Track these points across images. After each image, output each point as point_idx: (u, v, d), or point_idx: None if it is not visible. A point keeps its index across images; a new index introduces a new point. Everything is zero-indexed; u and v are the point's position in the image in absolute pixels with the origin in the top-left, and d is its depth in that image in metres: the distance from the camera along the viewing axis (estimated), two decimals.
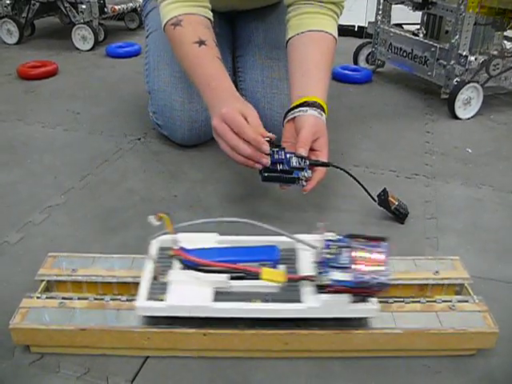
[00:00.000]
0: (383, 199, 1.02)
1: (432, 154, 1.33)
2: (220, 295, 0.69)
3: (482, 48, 1.57)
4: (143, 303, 0.67)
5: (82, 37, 2.19)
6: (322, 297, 0.66)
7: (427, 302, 0.75)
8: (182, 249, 0.69)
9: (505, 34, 1.60)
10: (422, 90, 1.79)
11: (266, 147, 0.90)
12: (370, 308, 0.67)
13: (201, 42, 1.03)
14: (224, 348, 0.70)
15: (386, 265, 0.65)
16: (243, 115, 0.91)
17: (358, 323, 0.70)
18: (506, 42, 1.62)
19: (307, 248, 0.72)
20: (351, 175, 0.99)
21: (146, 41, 1.39)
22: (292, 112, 0.99)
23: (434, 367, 0.70)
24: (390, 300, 0.74)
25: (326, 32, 1.09)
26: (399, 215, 1.02)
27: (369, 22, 1.91)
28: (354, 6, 2.42)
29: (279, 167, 0.92)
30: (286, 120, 1.01)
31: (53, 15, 2.45)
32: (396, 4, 1.80)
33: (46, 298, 0.73)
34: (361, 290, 0.65)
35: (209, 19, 1.10)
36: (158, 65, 1.29)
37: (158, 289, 0.70)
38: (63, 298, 0.73)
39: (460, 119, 1.55)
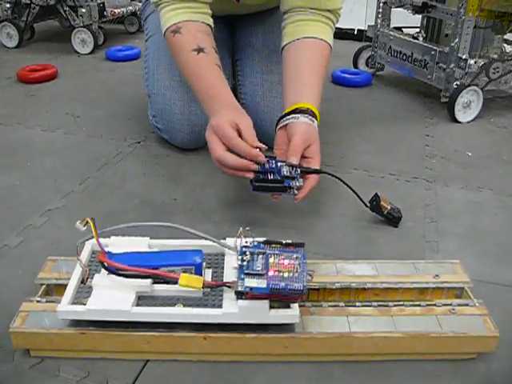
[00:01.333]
0: (375, 204, 1.01)
1: (432, 157, 1.33)
2: (144, 300, 0.69)
3: (482, 51, 1.57)
4: (65, 307, 0.67)
5: (82, 40, 2.20)
6: (240, 303, 0.66)
7: (427, 305, 0.74)
8: (107, 253, 0.69)
9: (505, 37, 1.60)
10: (422, 94, 1.79)
11: (262, 158, 0.90)
12: (290, 314, 0.67)
13: (199, 50, 1.03)
14: (224, 352, 0.70)
15: (301, 271, 0.65)
16: (236, 125, 0.91)
17: (284, 329, 0.69)
18: (505, 45, 1.63)
19: (234, 253, 0.72)
20: (343, 181, 0.99)
21: (146, 44, 1.40)
22: (284, 119, 0.99)
23: (434, 371, 0.70)
24: (390, 304, 0.74)
25: (321, 39, 1.09)
26: (392, 219, 1.02)
27: (368, 26, 1.92)
28: (353, 9, 2.43)
29: (270, 177, 0.92)
30: (278, 127, 1.01)
31: (52, 19, 2.46)
32: (396, 7, 1.81)
33: (46, 301, 0.73)
34: (277, 297, 0.66)
35: (209, 25, 1.10)
36: (158, 68, 1.29)
37: (84, 292, 0.70)
38: None
39: (460, 122, 1.55)
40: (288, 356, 0.70)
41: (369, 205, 1.02)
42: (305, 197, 0.94)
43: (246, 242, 0.69)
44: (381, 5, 1.84)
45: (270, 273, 0.65)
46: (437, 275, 0.79)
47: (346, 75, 1.87)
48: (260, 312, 0.67)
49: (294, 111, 0.98)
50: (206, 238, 0.72)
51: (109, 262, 0.68)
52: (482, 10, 1.48)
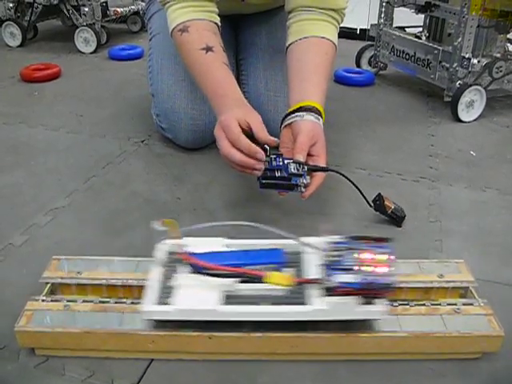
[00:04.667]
0: (379, 204, 1.01)
1: (436, 156, 1.33)
2: (228, 299, 0.69)
3: (485, 50, 1.56)
4: (149, 307, 0.67)
5: (85, 39, 2.20)
6: (328, 299, 0.66)
7: (432, 305, 0.75)
8: (190, 253, 0.69)
9: (508, 36, 1.60)
10: (425, 93, 1.79)
11: (261, 155, 0.89)
12: (376, 310, 0.67)
13: (208, 49, 1.03)
14: (229, 351, 0.70)
15: (390, 265, 0.65)
16: (246, 122, 0.91)
17: (364, 325, 0.70)
18: (509, 44, 1.62)
19: (312, 251, 0.72)
20: (349, 180, 0.99)
21: (150, 43, 1.39)
22: (289, 117, 0.99)
23: (439, 370, 0.70)
24: (395, 303, 0.74)
25: (326, 38, 1.09)
26: (396, 218, 1.01)
27: (371, 25, 1.91)
28: (356, 8, 2.42)
29: (277, 174, 0.91)
30: (283, 125, 1.01)
31: (55, 18, 2.46)
32: (398, 7, 1.80)
33: (51, 300, 0.74)
34: (367, 292, 0.65)
35: (216, 24, 1.10)
36: (162, 68, 1.29)
37: (165, 293, 0.70)
38: (68, 301, 0.73)
39: (463, 122, 1.55)
40: (293, 355, 0.70)
41: (372, 205, 1.02)
42: (312, 194, 0.94)
43: (334, 238, 0.68)
44: (383, 4, 1.84)
45: (361, 268, 0.65)
46: (441, 275, 0.79)
47: (349, 74, 1.87)
48: (348, 308, 0.67)
49: (299, 109, 0.98)
50: (290, 238, 0.72)
51: (196, 261, 0.68)
52: (485, 9, 1.47)
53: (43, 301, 0.73)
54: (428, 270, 0.80)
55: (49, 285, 0.76)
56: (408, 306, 0.74)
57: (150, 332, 0.68)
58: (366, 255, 0.65)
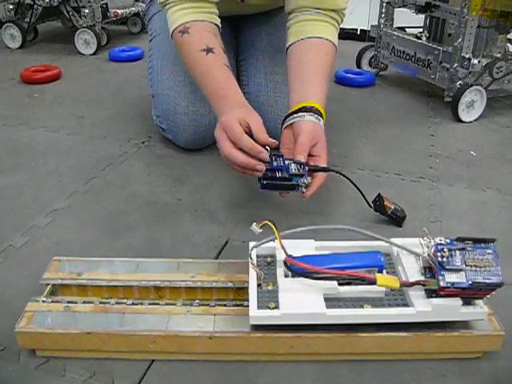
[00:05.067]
0: (379, 205, 1.01)
1: (436, 157, 1.33)
2: (329, 302, 0.69)
3: (486, 51, 1.56)
4: (257, 312, 0.67)
5: (85, 41, 2.20)
6: (433, 301, 0.67)
7: None
8: (293, 256, 0.69)
9: (508, 36, 1.60)
10: (426, 93, 1.79)
11: (265, 155, 0.89)
12: (479, 311, 0.67)
13: (208, 50, 1.04)
14: (229, 351, 0.70)
15: (496, 265, 0.65)
16: (246, 122, 0.91)
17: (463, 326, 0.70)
18: (509, 44, 1.62)
19: (405, 252, 0.73)
20: (350, 180, 0.99)
21: (150, 44, 1.40)
22: (290, 118, 0.99)
23: (440, 370, 0.70)
24: None
25: (326, 39, 1.09)
26: (396, 219, 1.01)
27: (371, 26, 1.91)
28: (356, 9, 2.42)
29: (278, 174, 0.91)
30: (284, 126, 1.01)
31: (55, 19, 2.46)
32: (399, 7, 1.80)
33: (52, 301, 0.74)
34: (473, 292, 0.66)
35: (216, 25, 1.10)
36: (162, 69, 1.29)
37: (266, 297, 0.70)
38: (68, 302, 0.73)
39: (463, 122, 1.55)
40: (293, 355, 0.70)
41: (372, 205, 1.02)
42: (313, 195, 0.94)
43: (441, 240, 0.68)
44: (384, 4, 1.84)
45: (469, 268, 0.65)
46: None
47: (350, 75, 1.87)
48: (452, 309, 0.67)
49: (300, 110, 0.98)
50: (389, 242, 0.73)
51: (305, 265, 0.67)
52: (486, 9, 1.47)
53: (44, 302, 0.73)
54: None
55: (49, 286, 0.76)
56: None
57: (151, 333, 0.68)
58: (471, 255, 0.66)
